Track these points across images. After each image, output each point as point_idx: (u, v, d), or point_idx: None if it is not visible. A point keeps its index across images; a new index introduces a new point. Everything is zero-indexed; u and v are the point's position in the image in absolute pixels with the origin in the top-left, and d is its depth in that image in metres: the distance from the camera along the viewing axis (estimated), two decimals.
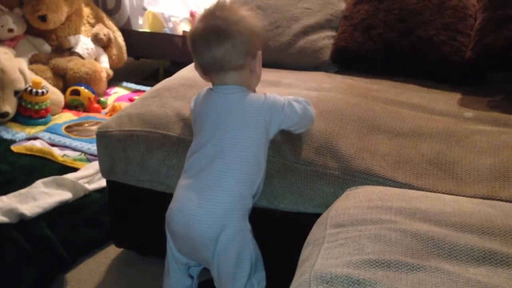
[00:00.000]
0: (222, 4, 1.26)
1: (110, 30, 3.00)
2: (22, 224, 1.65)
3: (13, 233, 1.60)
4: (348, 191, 1.16)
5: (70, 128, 2.41)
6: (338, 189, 1.26)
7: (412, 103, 1.53)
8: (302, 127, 1.32)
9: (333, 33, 1.92)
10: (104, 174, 1.51)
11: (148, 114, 1.45)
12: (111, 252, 1.68)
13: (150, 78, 3.17)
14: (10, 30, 2.66)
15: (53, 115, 2.55)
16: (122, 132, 1.43)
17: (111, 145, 1.44)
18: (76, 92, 2.67)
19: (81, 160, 2.14)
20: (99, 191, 1.89)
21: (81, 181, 1.90)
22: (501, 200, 1.15)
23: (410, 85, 1.68)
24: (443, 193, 1.19)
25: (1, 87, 2.34)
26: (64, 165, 2.07)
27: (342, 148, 1.30)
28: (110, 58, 2.99)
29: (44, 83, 2.52)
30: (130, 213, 1.55)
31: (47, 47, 2.81)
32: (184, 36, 2.86)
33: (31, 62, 2.71)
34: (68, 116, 2.56)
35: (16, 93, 2.40)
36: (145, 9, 3.15)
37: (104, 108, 2.72)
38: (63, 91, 2.69)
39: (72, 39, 2.87)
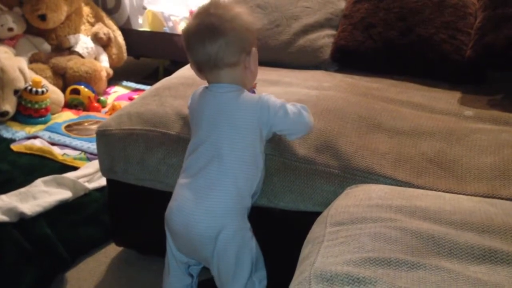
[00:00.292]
0: (217, 2, 1.25)
1: (110, 29, 3.00)
2: (22, 223, 1.65)
3: (13, 232, 1.60)
4: (348, 190, 1.16)
5: (70, 127, 2.41)
6: (338, 187, 1.25)
7: (412, 102, 1.53)
8: (294, 132, 1.28)
9: (333, 32, 1.91)
10: (104, 173, 1.51)
11: (148, 113, 1.45)
12: (111, 251, 1.68)
13: (150, 77, 3.16)
14: (10, 29, 2.66)
15: (53, 114, 2.54)
16: (121, 131, 1.43)
17: (111, 144, 1.44)
18: (76, 91, 2.66)
19: (81, 159, 2.14)
20: (99, 190, 1.89)
21: (81, 180, 1.90)
22: (502, 199, 1.15)
23: (410, 84, 1.68)
24: (443, 191, 1.18)
25: (1, 86, 2.34)
26: (64, 164, 2.07)
27: (342, 147, 1.30)
28: (110, 57, 2.98)
29: (44, 82, 2.52)
30: (130, 212, 1.55)
31: (46, 46, 2.80)
32: None
33: (31, 61, 2.70)
34: (68, 115, 2.56)
35: (16, 92, 2.40)
36: (145, 8, 3.14)
37: (104, 107, 2.72)
38: (63, 90, 2.68)
39: (71, 38, 2.87)
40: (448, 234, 0.93)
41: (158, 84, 1.64)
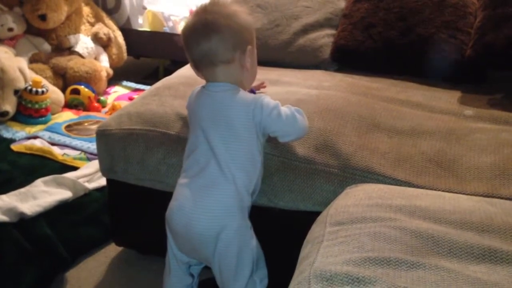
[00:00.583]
0: (215, 1, 1.27)
1: (110, 29, 3.00)
2: (22, 223, 1.65)
3: (13, 232, 1.60)
4: (348, 189, 1.16)
5: (70, 127, 2.41)
6: (338, 187, 1.25)
7: (412, 101, 1.53)
8: (287, 134, 1.26)
9: (333, 32, 1.91)
10: (104, 173, 1.51)
11: (148, 112, 1.45)
12: (111, 251, 1.68)
13: (150, 77, 3.16)
14: (10, 29, 2.66)
15: (53, 114, 2.54)
16: (121, 131, 1.43)
17: (111, 144, 1.44)
18: (76, 91, 2.66)
19: (81, 159, 2.14)
20: (99, 190, 1.89)
21: (81, 180, 1.90)
22: (502, 198, 1.15)
23: (410, 83, 1.68)
24: (443, 191, 1.18)
25: (1, 86, 2.34)
26: (64, 164, 2.07)
27: (342, 146, 1.30)
28: (110, 57, 2.98)
29: (44, 82, 2.51)
30: (130, 212, 1.55)
31: (47, 46, 2.80)
32: None
33: (31, 61, 2.70)
34: (68, 115, 2.56)
35: (16, 92, 2.40)
36: (145, 8, 3.15)
37: (104, 107, 2.72)
38: (63, 90, 2.68)
39: (72, 38, 2.87)
40: (447, 233, 0.93)
41: (158, 84, 1.64)
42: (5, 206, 1.66)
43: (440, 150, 1.30)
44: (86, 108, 2.65)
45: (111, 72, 2.93)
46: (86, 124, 2.46)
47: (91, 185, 1.91)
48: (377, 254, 0.85)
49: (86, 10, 2.99)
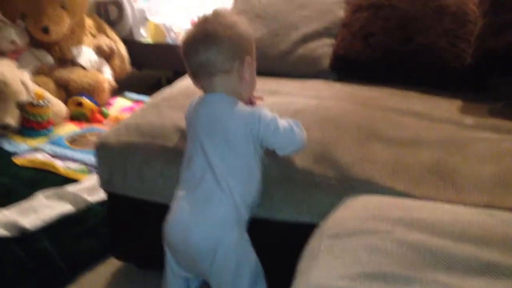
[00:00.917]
0: (216, 11, 1.27)
1: (112, 41, 3.01)
2: (23, 237, 1.64)
3: (13, 246, 1.59)
4: (346, 201, 1.15)
5: (72, 140, 2.41)
6: (336, 198, 1.23)
7: (412, 111, 1.52)
8: (284, 147, 1.25)
9: (332, 41, 1.91)
10: (102, 186, 1.51)
11: (146, 124, 1.45)
12: (111, 264, 1.66)
13: (153, 88, 3.16)
14: (13, 42, 2.67)
15: (56, 126, 2.55)
16: (120, 143, 1.43)
17: (109, 156, 1.44)
18: (79, 103, 2.67)
19: (83, 171, 2.14)
20: (101, 203, 1.88)
21: (82, 193, 1.89)
22: (503, 209, 1.13)
23: (410, 93, 1.67)
24: (442, 201, 1.17)
25: (3, 99, 2.35)
26: (66, 177, 2.07)
27: (341, 157, 1.29)
28: (112, 69, 3.00)
29: (47, 94, 2.53)
30: (129, 225, 1.54)
31: (50, 59, 2.82)
32: None
33: (34, 74, 2.72)
34: (71, 128, 2.57)
35: (19, 105, 2.41)
36: (147, 20, 3.16)
37: (106, 118, 2.72)
38: (66, 102, 2.69)
39: (74, 50, 2.88)
40: (445, 246, 0.91)
41: (157, 95, 1.64)
42: (6, 220, 1.65)
43: (440, 160, 1.29)
44: (89, 120, 2.66)
45: (113, 83, 2.94)
46: (88, 136, 2.46)
47: (93, 198, 1.90)
48: (373, 269, 0.84)
49: (88, 22, 3.01)
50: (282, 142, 1.24)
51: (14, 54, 2.70)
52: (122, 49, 3.07)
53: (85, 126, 2.60)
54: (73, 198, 1.84)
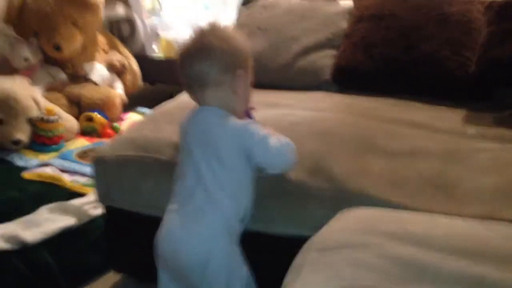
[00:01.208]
0: (213, 25, 1.27)
1: (125, 57, 3.05)
2: (23, 250, 1.65)
3: (13, 259, 1.59)
4: (339, 214, 1.12)
5: (82, 154, 2.43)
6: (331, 211, 1.20)
7: (413, 121, 1.49)
8: (272, 166, 1.23)
9: (334, 52, 1.89)
10: (100, 200, 1.51)
11: (141, 138, 1.45)
12: (111, 278, 1.66)
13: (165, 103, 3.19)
14: (26, 60, 2.73)
15: (67, 141, 2.58)
16: (115, 157, 1.44)
17: (106, 170, 1.45)
18: (90, 118, 2.70)
19: (90, 185, 2.15)
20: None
21: (86, 207, 1.90)
22: (503, 221, 1.09)
23: (412, 103, 1.64)
24: (441, 214, 1.13)
25: (15, 116, 2.39)
26: (72, 190, 2.08)
27: (335, 169, 1.26)
28: (124, 84, 3.02)
29: (58, 110, 2.56)
30: (128, 238, 1.54)
31: (63, 75, 2.86)
32: None
33: (48, 90, 2.76)
34: (82, 142, 2.59)
35: (29, 120, 2.45)
36: (158, 36, 3.19)
37: (117, 133, 2.74)
38: (78, 117, 2.73)
39: (87, 66, 2.92)
40: (435, 260, 0.88)
41: (156, 110, 1.65)
42: (7, 233, 1.66)
43: (440, 172, 1.25)
44: (100, 135, 2.69)
45: (125, 98, 2.96)
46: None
47: (97, 212, 1.90)
48: (352, 283, 0.81)
49: (101, 39, 3.05)
50: (270, 162, 1.22)
51: (27, 71, 2.75)
52: (134, 64, 3.10)
53: (96, 140, 2.62)
54: (76, 212, 1.84)
